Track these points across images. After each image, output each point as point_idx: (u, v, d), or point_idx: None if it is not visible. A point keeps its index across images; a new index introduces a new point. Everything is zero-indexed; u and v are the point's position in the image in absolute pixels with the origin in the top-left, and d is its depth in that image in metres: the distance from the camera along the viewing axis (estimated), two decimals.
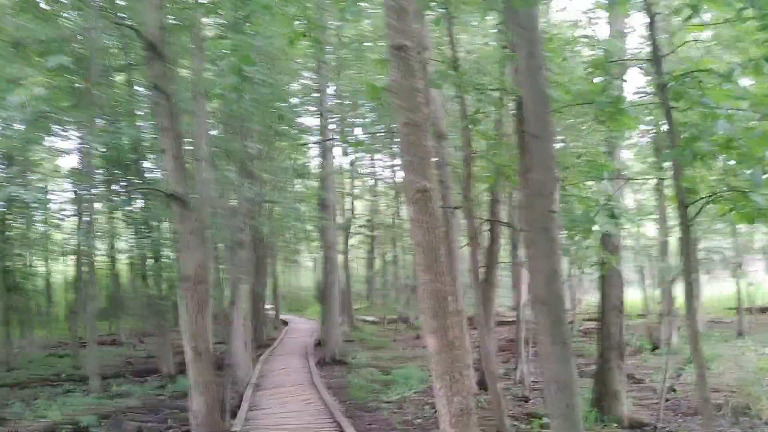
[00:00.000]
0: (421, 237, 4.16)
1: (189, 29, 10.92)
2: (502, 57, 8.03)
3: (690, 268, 5.97)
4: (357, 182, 39.88)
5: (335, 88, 28.51)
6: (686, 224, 5.84)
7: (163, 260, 22.36)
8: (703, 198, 5.89)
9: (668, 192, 21.53)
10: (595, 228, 7.80)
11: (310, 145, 21.49)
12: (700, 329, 21.53)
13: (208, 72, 12.14)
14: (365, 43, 31.57)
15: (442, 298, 4.14)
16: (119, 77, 25.99)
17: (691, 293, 5.99)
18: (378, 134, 21.08)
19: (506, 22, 7.89)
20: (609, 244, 11.00)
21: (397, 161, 38.57)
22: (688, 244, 5.92)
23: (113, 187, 24.52)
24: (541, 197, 7.51)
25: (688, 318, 6.05)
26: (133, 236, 24.59)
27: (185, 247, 9.61)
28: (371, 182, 40.78)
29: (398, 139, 8.20)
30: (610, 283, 11.73)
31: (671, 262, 20.83)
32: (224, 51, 8.23)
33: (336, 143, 26.90)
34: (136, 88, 23.66)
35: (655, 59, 5.98)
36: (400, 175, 40.22)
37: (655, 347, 20.23)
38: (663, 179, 16.14)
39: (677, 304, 21.77)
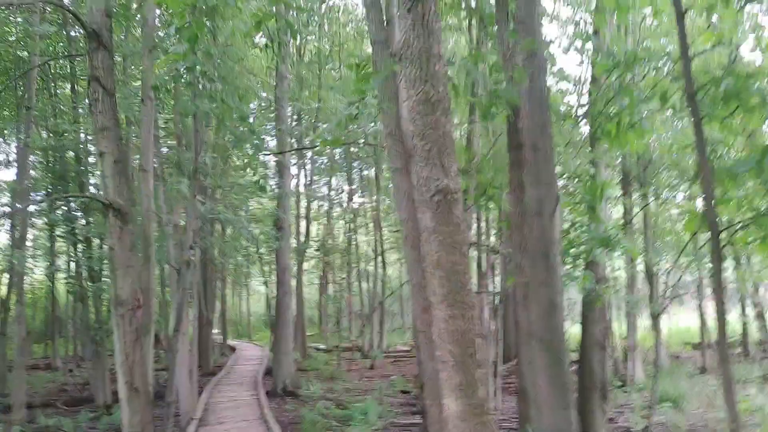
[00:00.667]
0: (441, 255, 3.11)
1: (137, 16, 9.81)
2: (494, 62, 7.12)
3: (722, 300, 5.11)
4: (312, 205, 38.69)
5: (294, 107, 27.59)
6: (718, 252, 4.98)
7: (104, 280, 20.84)
8: (738, 223, 5.04)
9: (636, 221, 21.08)
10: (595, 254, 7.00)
11: (267, 164, 20.35)
12: (662, 364, 20.99)
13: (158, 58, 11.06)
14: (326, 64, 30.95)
15: (468, 343, 3.09)
16: (63, 86, 24.65)
17: (724, 329, 5.11)
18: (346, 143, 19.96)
19: (500, 20, 7.01)
20: (596, 274, 10.20)
21: (355, 185, 37.68)
22: (719, 274, 5.07)
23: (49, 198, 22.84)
24: (539, 217, 6.58)
25: (721, 360, 5.16)
26: (72, 253, 22.96)
27: (123, 265, 8.36)
28: (326, 206, 39.67)
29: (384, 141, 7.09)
30: (592, 317, 10.90)
31: (638, 295, 20.30)
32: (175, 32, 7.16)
33: (293, 163, 25.83)
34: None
35: (685, 61, 5.15)
36: (358, 199, 39.32)
37: (623, 383, 19.52)
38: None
39: (641, 338, 21.26)
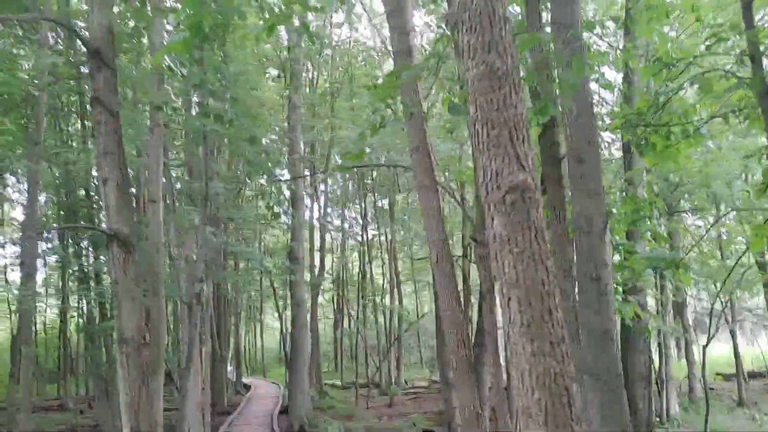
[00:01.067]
0: (518, 272, 2.42)
1: (146, 31, 9.38)
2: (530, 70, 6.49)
3: None
4: (326, 237, 38.07)
5: (307, 137, 27.19)
6: None
7: (113, 317, 20.27)
8: None
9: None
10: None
11: (281, 189, 19.83)
12: (696, 396, 19.95)
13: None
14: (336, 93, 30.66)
15: (561, 389, 2.37)
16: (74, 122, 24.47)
17: None
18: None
19: (531, 26, 6.41)
20: (638, 300, 9.43)
21: (369, 216, 36.99)
22: None
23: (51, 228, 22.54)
24: (588, 236, 5.90)
25: None
26: (82, 291, 22.45)
27: (127, 299, 7.71)
28: (340, 238, 39.03)
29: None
30: (635, 348, 10.09)
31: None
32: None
33: (306, 192, 25.35)
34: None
35: (754, 54, 4.51)
36: (372, 231, 38.55)
37: (659, 418, 18.45)
38: None
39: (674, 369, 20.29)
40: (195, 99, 10.02)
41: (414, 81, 5.94)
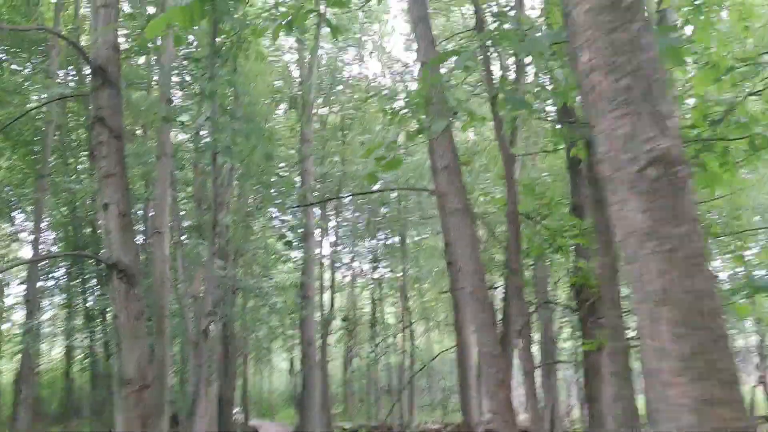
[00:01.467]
0: (669, 280, 1.68)
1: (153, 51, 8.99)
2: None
3: None
4: (336, 275, 37.28)
5: (318, 170, 26.73)
6: None
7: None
8: None
9: None
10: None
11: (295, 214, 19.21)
12: None
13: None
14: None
15: None
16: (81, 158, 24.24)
17: None
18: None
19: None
20: None
21: (380, 252, 36.25)
22: None
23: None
24: None
25: None
26: (86, 328, 21.87)
27: (129, 337, 7.06)
28: (350, 276, 38.26)
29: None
30: None
31: None
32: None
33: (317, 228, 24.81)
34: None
35: None
36: (383, 269, 37.73)
37: None
38: None
39: None
40: (206, 113, 9.60)
41: (443, 90, 5.38)
